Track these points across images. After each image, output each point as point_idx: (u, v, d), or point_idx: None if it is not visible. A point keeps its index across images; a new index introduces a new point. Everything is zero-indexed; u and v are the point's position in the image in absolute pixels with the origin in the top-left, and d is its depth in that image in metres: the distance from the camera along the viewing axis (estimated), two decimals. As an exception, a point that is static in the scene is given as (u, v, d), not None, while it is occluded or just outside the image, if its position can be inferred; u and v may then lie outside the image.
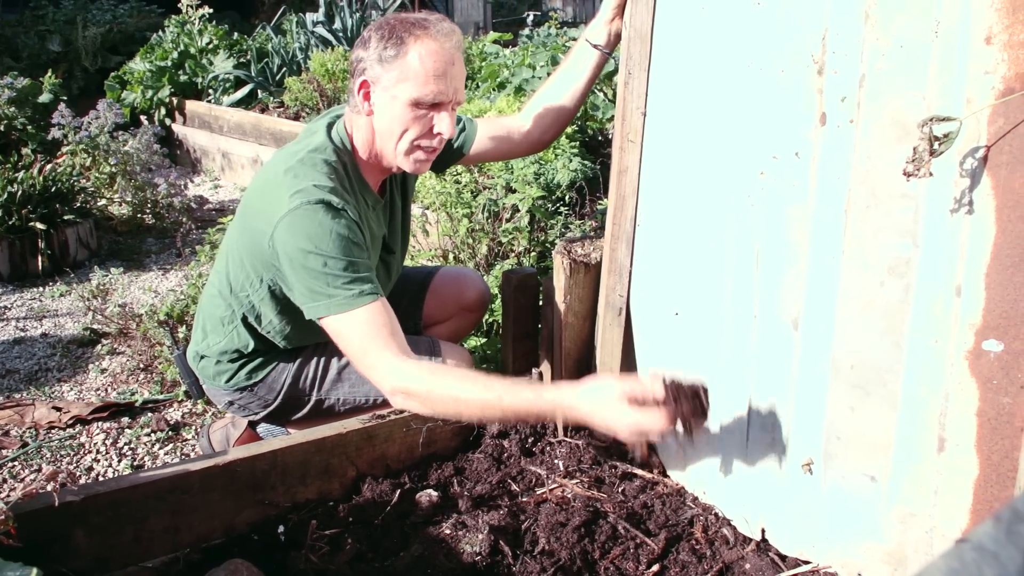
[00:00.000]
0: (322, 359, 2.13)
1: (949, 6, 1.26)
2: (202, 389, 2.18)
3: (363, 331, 1.70)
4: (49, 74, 6.37)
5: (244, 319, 2.03)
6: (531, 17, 12.14)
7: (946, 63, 1.28)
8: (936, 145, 1.25)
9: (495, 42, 6.57)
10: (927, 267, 1.35)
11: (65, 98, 6.05)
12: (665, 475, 2.00)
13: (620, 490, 1.91)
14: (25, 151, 5.22)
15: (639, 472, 1.98)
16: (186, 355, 2.19)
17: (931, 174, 1.25)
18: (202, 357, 2.12)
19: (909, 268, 1.37)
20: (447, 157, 2.26)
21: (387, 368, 1.68)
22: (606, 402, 1.53)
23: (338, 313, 1.71)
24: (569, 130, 4.02)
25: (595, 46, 2.09)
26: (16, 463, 2.52)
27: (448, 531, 1.74)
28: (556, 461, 2.03)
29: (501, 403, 1.60)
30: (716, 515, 1.83)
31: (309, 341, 2.08)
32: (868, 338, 1.45)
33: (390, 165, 1.91)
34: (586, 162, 3.68)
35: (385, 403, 2.10)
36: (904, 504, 1.45)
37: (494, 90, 5.07)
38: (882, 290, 1.41)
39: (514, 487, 1.95)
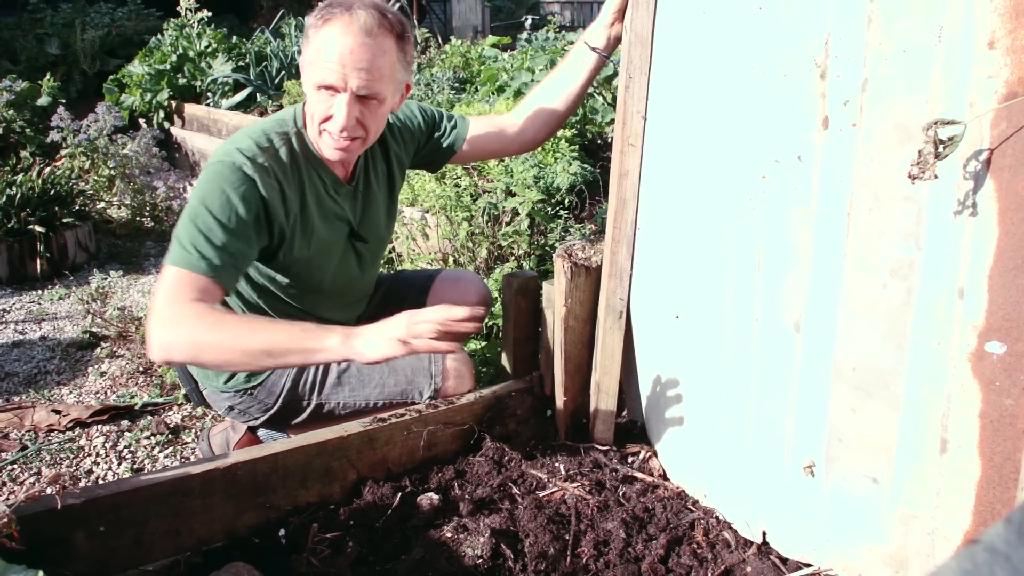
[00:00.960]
0: (320, 365, 2.13)
1: (952, 11, 1.26)
2: (202, 395, 2.17)
3: (170, 286, 1.66)
4: (48, 77, 6.38)
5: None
6: (529, 21, 12.16)
7: (949, 67, 1.28)
8: (941, 148, 1.25)
9: (494, 46, 6.59)
10: (930, 269, 1.35)
11: (64, 101, 6.06)
12: (666, 478, 2.00)
13: (621, 493, 1.91)
14: (24, 154, 5.23)
15: (640, 475, 1.98)
16: None
17: (936, 177, 1.25)
18: None
19: (912, 270, 1.38)
20: (439, 155, 2.26)
21: (156, 315, 1.63)
22: (382, 323, 1.60)
23: (171, 264, 1.68)
24: (568, 133, 4.03)
25: (594, 49, 2.10)
26: (15, 466, 2.51)
27: (449, 534, 1.74)
28: (557, 464, 2.03)
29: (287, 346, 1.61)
30: (717, 518, 1.83)
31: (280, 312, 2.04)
32: (870, 340, 1.45)
33: (322, 152, 1.89)
34: (586, 165, 3.69)
35: (386, 407, 2.10)
36: (906, 506, 1.45)
37: (493, 93, 5.08)
38: (884, 292, 1.42)
39: (515, 490, 1.95)
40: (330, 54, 1.73)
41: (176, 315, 1.61)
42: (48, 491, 1.53)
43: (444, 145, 2.24)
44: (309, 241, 1.92)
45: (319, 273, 1.99)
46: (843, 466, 1.54)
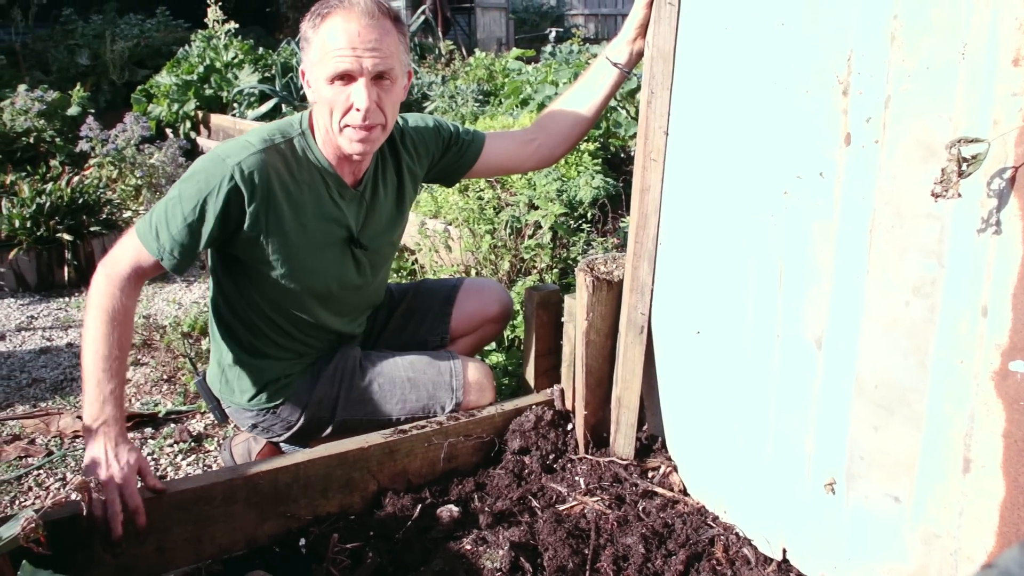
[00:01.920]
0: (343, 381, 2.14)
1: (976, 28, 1.26)
2: (225, 413, 2.18)
3: (123, 250, 1.85)
4: (78, 87, 6.47)
5: (218, 304, 2.09)
6: (553, 33, 12.22)
7: (973, 85, 1.28)
8: (964, 166, 1.25)
9: (518, 58, 6.62)
10: (953, 287, 1.35)
11: (93, 111, 6.15)
12: (686, 494, 1.99)
13: (641, 508, 1.91)
14: (53, 163, 5.31)
15: (660, 490, 1.98)
16: (206, 379, 2.19)
17: (959, 195, 1.24)
18: (222, 372, 2.13)
19: (934, 288, 1.37)
20: (454, 170, 2.27)
21: (101, 267, 1.83)
22: (99, 431, 1.65)
23: (135, 231, 1.86)
24: (592, 147, 4.04)
25: (615, 64, 2.10)
26: (41, 471, 2.54)
27: (469, 547, 1.74)
28: (577, 478, 2.03)
29: (84, 373, 1.71)
30: (737, 535, 1.82)
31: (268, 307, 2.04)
32: (892, 358, 1.44)
33: (342, 150, 1.91)
34: (608, 179, 3.70)
35: (408, 421, 2.11)
36: (928, 525, 1.44)
37: (517, 106, 5.10)
38: (907, 310, 1.41)
39: (534, 503, 1.95)
40: (339, 43, 1.76)
41: (103, 283, 1.79)
42: (74, 496, 1.54)
43: (460, 160, 2.24)
44: (298, 237, 1.92)
45: (309, 274, 1.98)
46: (864, 484, 1.53)
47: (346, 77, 1.79)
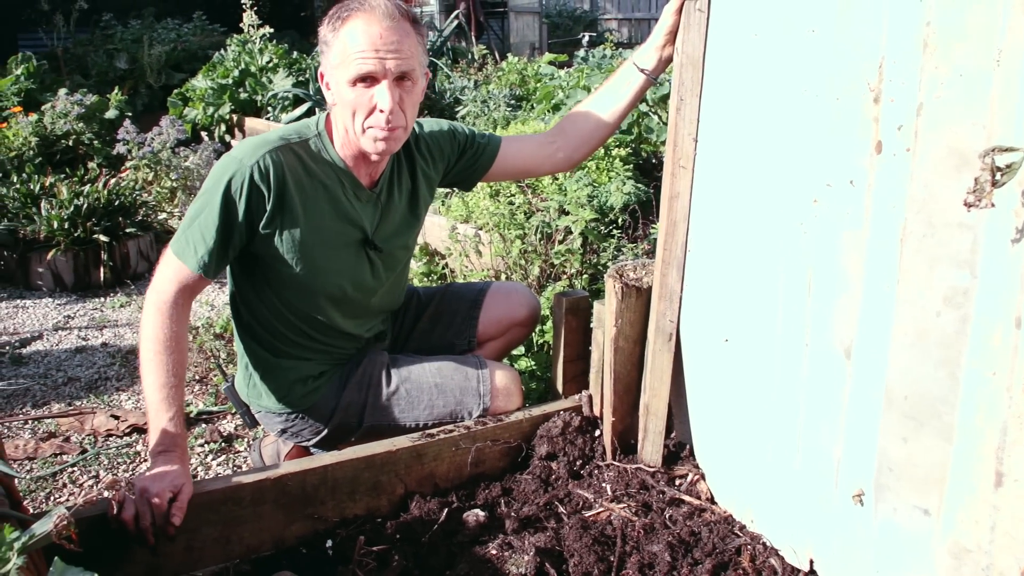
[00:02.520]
0: (370, 387, 2.14)
1: (1012, 34, 1.24)
2: (254, 418, 2.19)
3: (166, 273, 1.86)
4: (116, 91, 6.58)
5: (237, 304, 2.10)
6: (586, 38, 12.19)
7: (1008, 92, 1.26)
8: (998, 176, 1.23)
9: (550, 63, 6.62)
10: (985, 298, 1.33)
11: (130, 114, 6.24)
12: (713, 502, 1.98)
13: (667, 516, 1.90)
14: (91, 165, 5.39)
15: (687, 498, 1.97)
16: (234, 385, 2.20)
17: (993, 205, 1.23)
18: (248, 375, 2.14)
19: (967, 299, 1.35)
20: (470, 174, 2.26)
21: (149, 295, 1.86)
22: (157, 461, 1.71)
23: (171, 252, 1.87)
24: (623, 153, 4.03)
25: (642, 70, 2.08)
26: (75, 469, 2.59)
27: (494, 551, 1.75)
28: (604, 485, 2.03)
29: (146, 403, 1.79)
30: (764, 544, 1.81)
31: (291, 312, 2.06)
32: (922, 368, 1.42)
33: (362, 150, 1.91)
34: (640, 185, 3.69)
35: (435, 425, 2.12)
36: (958, 539, 1.42)
37: (548, 111, 5.10)
38: (938, 320, 1.39)
39: (561, 509, 1.95)
40: (361, 45, 1.78)
41: (153, 315, 1.82)
42: (105, 494, 1.57)
43: (475, 163, 2.24)
44: (313, 236, 1.93)
45: (324, 274, 1.98)
46: (893, 496, 1.51)
47: (369, 79, 1.81)
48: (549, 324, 2.76)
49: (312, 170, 1.92)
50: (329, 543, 1.87)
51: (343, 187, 1.96)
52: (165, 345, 1.79)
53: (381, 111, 1.81)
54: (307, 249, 1.93)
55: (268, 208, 1.85)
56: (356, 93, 1.82)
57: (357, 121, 1.85)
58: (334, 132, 1.96)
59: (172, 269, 1.85)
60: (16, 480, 2.22)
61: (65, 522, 1.09)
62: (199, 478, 2.51)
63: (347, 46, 1.79)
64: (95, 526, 1.61)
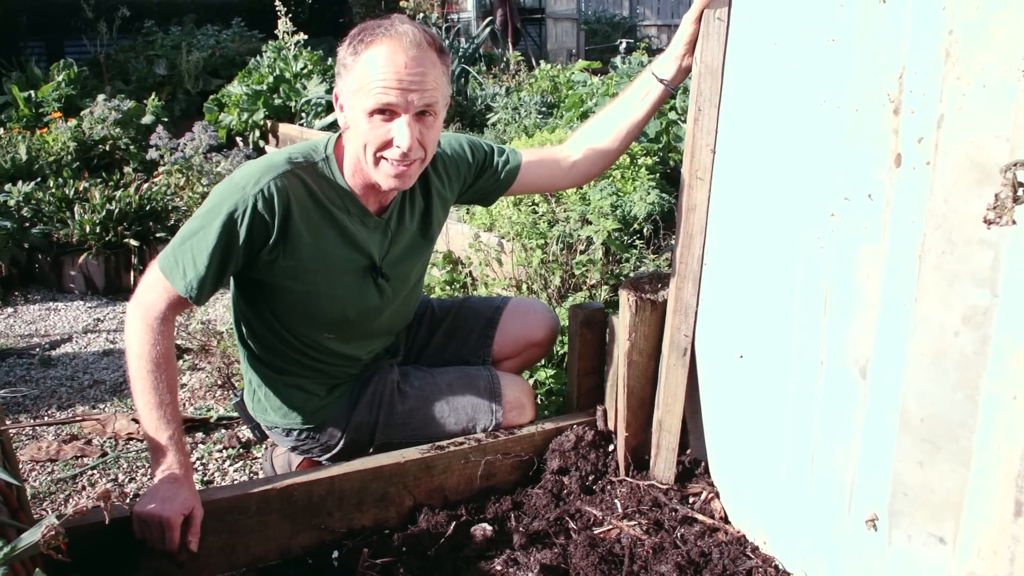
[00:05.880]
0: (382, 407, 2.10)
1: (1035, 45, 1.20)
2: (265, 432, 2.17)
3: (150, 289, 1.80)
4: (152, 96, 6.67)
5: (239, 320, 2.06)
6: (624, 45, 12.12)
7: (1030, 105, 1.21)
8: (1020, 192, 1.18)
9: (584, 70, 6.57)
10: (1007, 318, 1.28)
11: (167, 119, 6.32)
12: (727, 521, 1.93)
13: (679, 535, 1.86)
14: (127, 170, 5.47)
15: (700, 517, 1.93)
16: (243, 399, 2.17)
17: (1014, 222, 1.18)
18: (253, 391, 2.11)
19: (987, 318, 1.30)
20: (490, 190, 2.20)
21: (131, 311, 1.81)
22: (163, 483, 1.68)
23: (158, 267, 1.80)
24: (649, 162, 3.99)
25: (660, 80, 2.01)
26: (95, 471, 2.61)
27: (499, 567, 1.72)
28: (615, 501, 1.99)
29: (142, 424, 1.75)
30: (776, 567, 1.76)
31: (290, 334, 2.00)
32: (939, 390, 1.37)
33: (372, 180, 1.83)
34: (664, 195, 3.64)
35: (447, 436, 2.09)
36: (975, 571, 1.36)
37: (576, 119, 5.07)
38: (956, 340, 1.34)
39: (571, 525, 1.92)
40: (384, 75, 1.67)
41: (141, 331, 1.77)
42: (100, 504, 1.57)
43: (496, 180, 2.17)
44: (317, 263, 1.86)
45: (327, 300, 1.92)
46: (908, 522, 1.46)
47: (388, 112, 1.70)
48: (566, 337, 2.72)
49: (317, 196, 1.84)
50: (335, 554, 1.86)
51: (349, 214, 1.88)
52: (156, 363, 1.74)
53: (398, 147, 1.72)
54: (310, 276, 1.86)
55: (271, 237, 1.78)
56: (372, 124, 1.72)
57: (369, 151, 1.75)
58: (345, 157, 1.87)
59: (161, 286, 1.78)
60: (27, 486, 2.24)
61: (53, 532, 1.08)
62: (213, 484, 2.51)
63: (368, 73, 1.68)
64: (102, 533, 1.60)
